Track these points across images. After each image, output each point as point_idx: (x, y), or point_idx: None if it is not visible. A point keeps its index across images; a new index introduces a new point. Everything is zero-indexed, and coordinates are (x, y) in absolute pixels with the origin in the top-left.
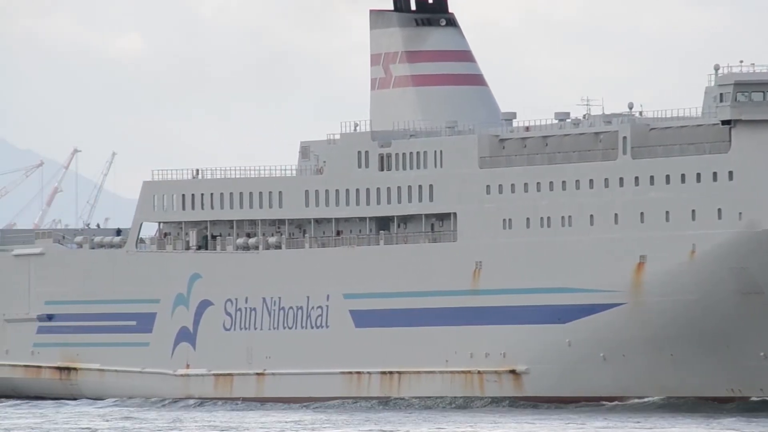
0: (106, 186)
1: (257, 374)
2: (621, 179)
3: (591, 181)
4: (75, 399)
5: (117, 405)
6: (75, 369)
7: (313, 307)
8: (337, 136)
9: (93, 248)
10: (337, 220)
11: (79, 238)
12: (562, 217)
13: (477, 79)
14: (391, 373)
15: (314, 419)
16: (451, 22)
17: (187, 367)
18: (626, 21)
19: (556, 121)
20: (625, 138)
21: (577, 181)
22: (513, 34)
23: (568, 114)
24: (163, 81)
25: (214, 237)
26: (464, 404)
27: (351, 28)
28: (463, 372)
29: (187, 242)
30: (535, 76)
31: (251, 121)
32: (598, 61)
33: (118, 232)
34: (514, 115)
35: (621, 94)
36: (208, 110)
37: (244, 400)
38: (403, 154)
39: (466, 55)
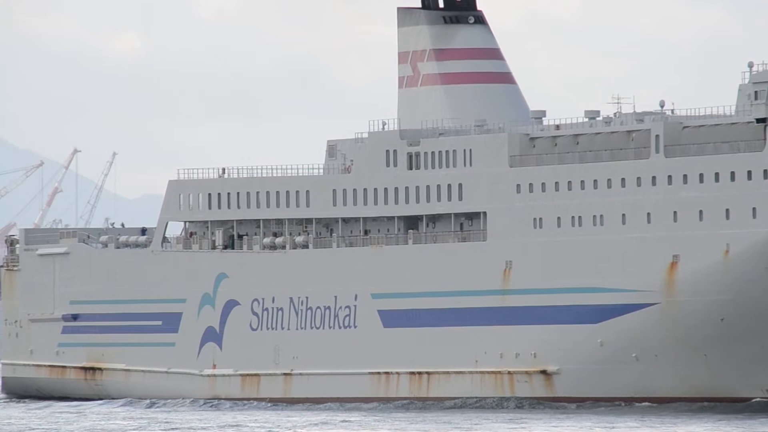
0: (107, 186)
1: (284, 374)
2: (654, 178)
3: (623, 179)
4: (100, 399)
5: (150, 407)
6: (100, 369)
7: (340, 307)
8: (365, 135)
9: (118, 248)
10: (365, 219)
11: (104, 238)
12: (594, 217)
13: (506, 77)
14: (419, 373)
15: (349, 419)
16: (480, 20)
17: (214, 367)
18: (654, 19)
19: (586, 120)
20: (657, 136)
21: (609, 180)
22: (515, 32)
23: (598, 112)
24: (167, 82)
25: (240, 236)
26: (494, 405)
27: (378, 25)
28: (493, 372)
29: (214, 241)
30: (556, 75)
31: (278, 121)
32: (614, 59)
33: (143, 231)
34: (543, 113)
35: (650, 92)
36: (211, 111)
37: (271, 400)
38: (432, 152)
39: (494, 53)
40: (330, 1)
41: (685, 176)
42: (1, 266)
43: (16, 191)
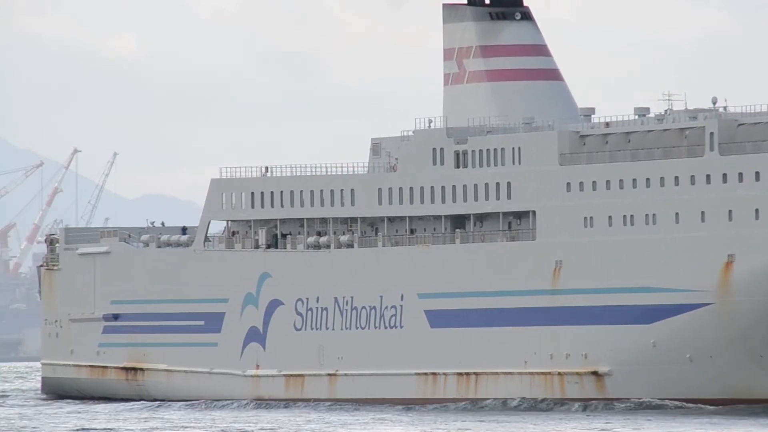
0: (107, 186)
1: (329, 375)
2: (708, 176)
3: (676, 178)
4: (141, 400)
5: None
6: (141, 369)
7: (386, 307)
8: (411, 133)
9: (160, 247)
10: (411, 218)
11: (145, 237)
12: (646, 215)
13: (553, 74)
14: (467, 374)
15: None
16: (526, 16)
17: (257, 367)
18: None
19: (636, 117)
20: (712, 134)
21: (662, 178)
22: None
23: (648, 109)
24: (167, 82)
25: (284, 235)
26: (544, 406)
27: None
28: (542, 373)
29: (257, 241)
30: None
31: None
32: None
33: (184, 230)
34: (592, 110)
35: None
36: (219, 112)
37: (316, 401)
38: (480, 150)
39: (541, 50)
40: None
41: (740, 174)
42: (41, 266)
43: (16, 191)
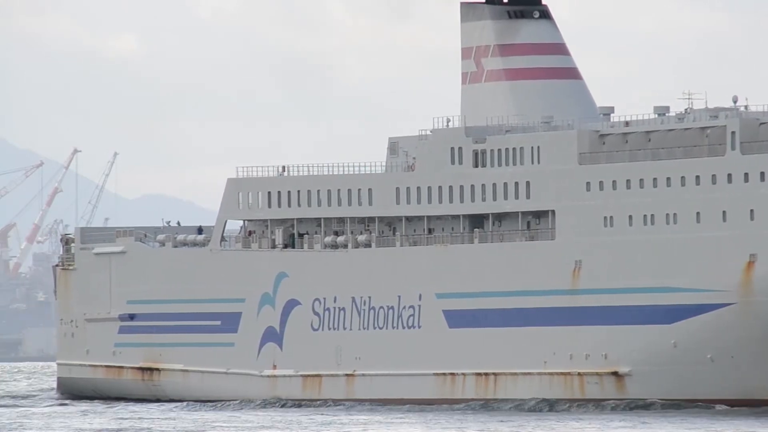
0: (107, 186)
1: (347, 375)
2: (729, 175)
3: (697, 177)
4: (158, 401)
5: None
6: (158, 370)
7: (404, 307)
8: (428, 132)
9: (176, 246)
10: (429, 217)
11: (161, 237)
12: (667, 215)
13: (572, 73)
14: (486, 374)
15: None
16: (545, 14)
17: (274, 368)
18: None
19: (656, 116)
20: (734, 133)
21: (683, 178)
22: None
23: (667, 108)
24: (169, 82)
25: (300, 235)
26: (564, 407)
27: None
28: (562, 374)
29: (273, 240)
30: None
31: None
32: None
33: (200, 230)
34: (612, 109)
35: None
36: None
37: (333, 401)
38: (499, 150)
39: (560, 48)
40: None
41: (762, 173)
42: (57, 265)
43: (16, 191)
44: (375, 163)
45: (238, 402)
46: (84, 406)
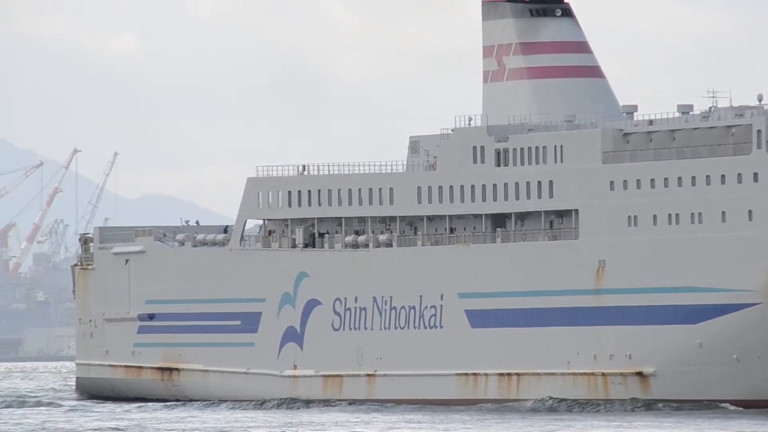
0: (107, 186)
1: (368, 375)
2: (755, 174)
3: (723, 176)
4: (177, 400)
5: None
6: (177, 370)
7: (426, 307)
8: (450, 131)
9: (195, 246)
10: (451, 217)
11: (180, 236)
12: (692, 214)
13: (594, 71)
14: (509, 374)
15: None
16: (567, 12)
17: (295, 368)
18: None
19: (680, 114)
20: (759, 131)
21: (708, 177)
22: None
23: (691, 106)
24: (172, 81)
25: (321, 235)
26: (588, 408)
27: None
28: (586, 374)
29: (294, 240)
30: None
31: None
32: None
33: (225, 230)
34: (635, 108)
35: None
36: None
37: (354, 402)
38: (521, 149)
39: (582, 46)
40: None
41: None
42: (75, 265)
43: (16, 191)
44: (396, 162)
45: (258, 402)
46: (106, 406)
